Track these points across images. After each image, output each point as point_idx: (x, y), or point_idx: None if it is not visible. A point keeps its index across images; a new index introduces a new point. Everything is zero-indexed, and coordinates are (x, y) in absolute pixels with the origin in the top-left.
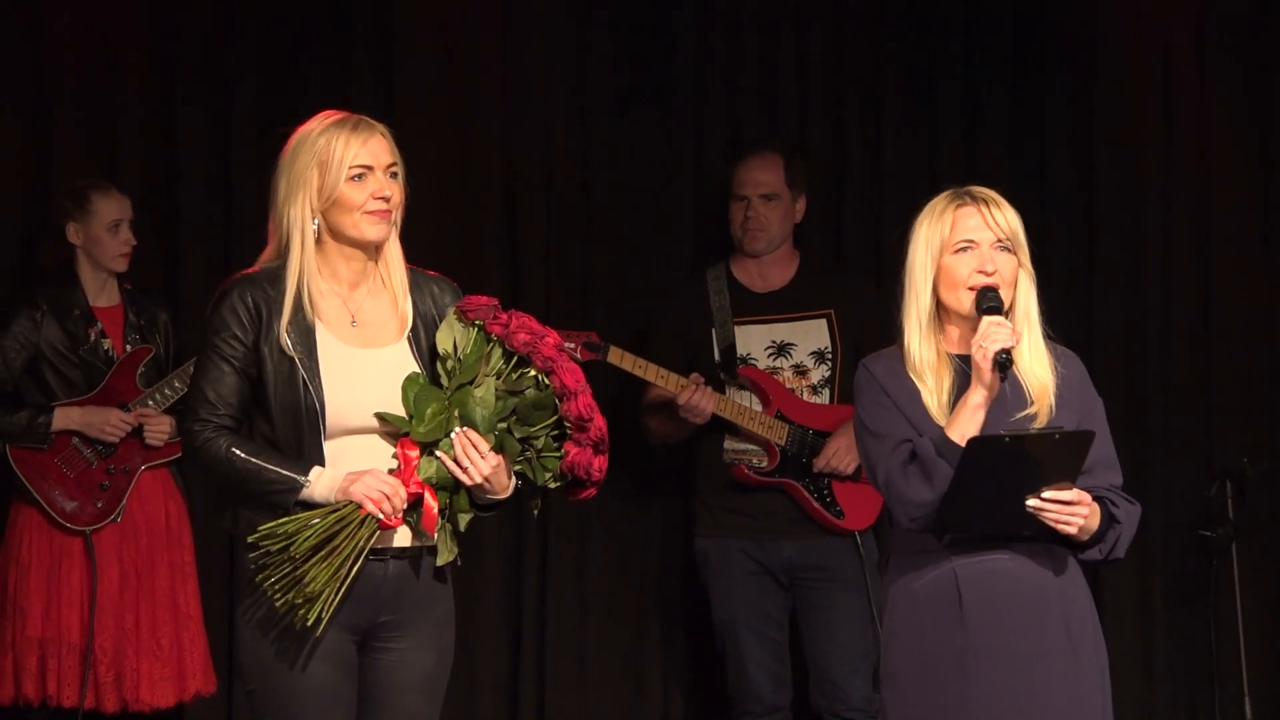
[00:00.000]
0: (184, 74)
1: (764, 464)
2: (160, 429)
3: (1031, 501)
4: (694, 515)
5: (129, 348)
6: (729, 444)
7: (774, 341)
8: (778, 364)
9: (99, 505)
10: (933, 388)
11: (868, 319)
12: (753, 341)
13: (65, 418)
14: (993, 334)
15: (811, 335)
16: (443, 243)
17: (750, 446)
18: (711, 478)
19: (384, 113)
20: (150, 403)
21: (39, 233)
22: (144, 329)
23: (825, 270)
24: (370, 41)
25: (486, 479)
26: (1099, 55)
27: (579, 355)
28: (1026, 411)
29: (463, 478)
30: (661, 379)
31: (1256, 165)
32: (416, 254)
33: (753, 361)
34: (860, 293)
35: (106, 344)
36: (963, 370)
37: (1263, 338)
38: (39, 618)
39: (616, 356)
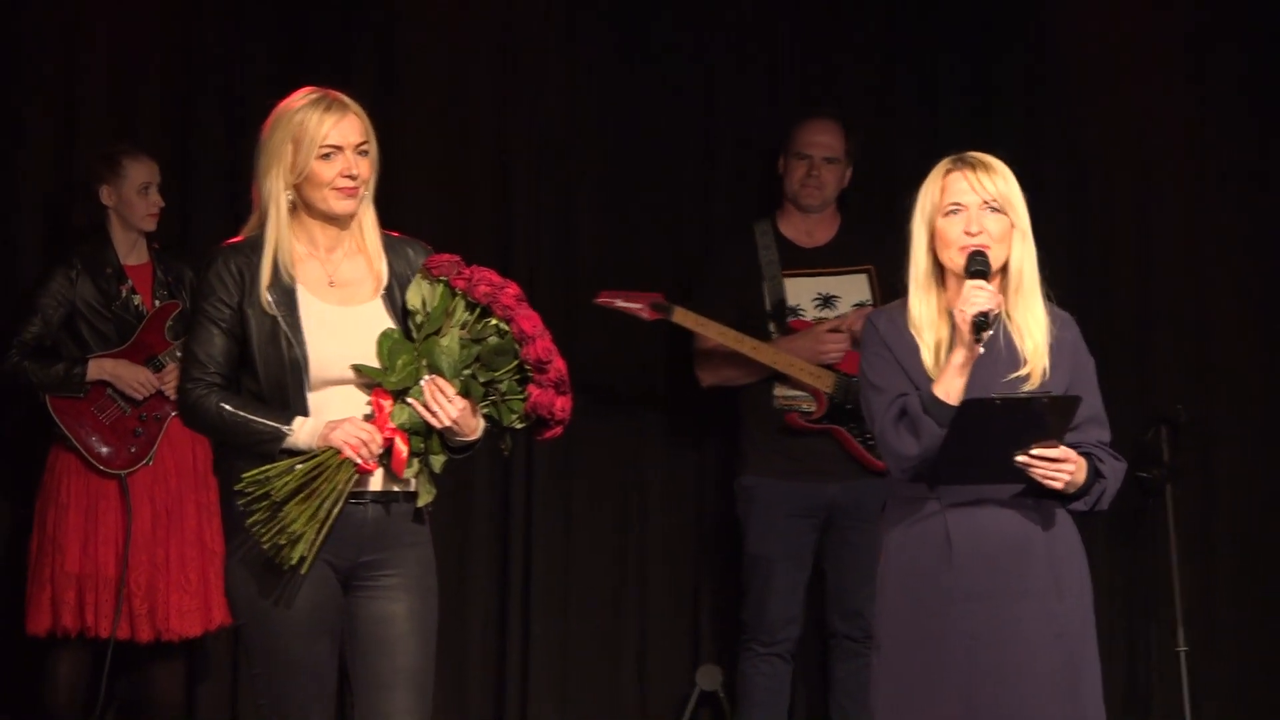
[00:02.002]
0: (201, 45)
1: (812, 410)
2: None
3: (1020, 458)
4: (742, 454)
5: (158, 303)
6: (779, 391)
7: (820, 294)
8: (824, 315)
9: (132, 450)
10: (929, 343)
11: (902, 279)
12: (801, 293)
13: (99, 369)
14: (972, 297)
15: (854, 288)
16: (438, 206)
17: (799, 393)
18: (760, 421)
19: (385, 73)
20: (179, 354)
21: (71, 195)
22: (171, 285)
23: (865, 230)
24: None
25: (455, 421)
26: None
27: (645, 315)
28: (1019, 372)
29: (432, 421)
30: (723, 336)
31: (1192, 118)
32: (414, 214)
33: (801, 313)
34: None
35: (137, 300)
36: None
37: (1196, 290)
38: (77, 555)
39: (681, 316)
